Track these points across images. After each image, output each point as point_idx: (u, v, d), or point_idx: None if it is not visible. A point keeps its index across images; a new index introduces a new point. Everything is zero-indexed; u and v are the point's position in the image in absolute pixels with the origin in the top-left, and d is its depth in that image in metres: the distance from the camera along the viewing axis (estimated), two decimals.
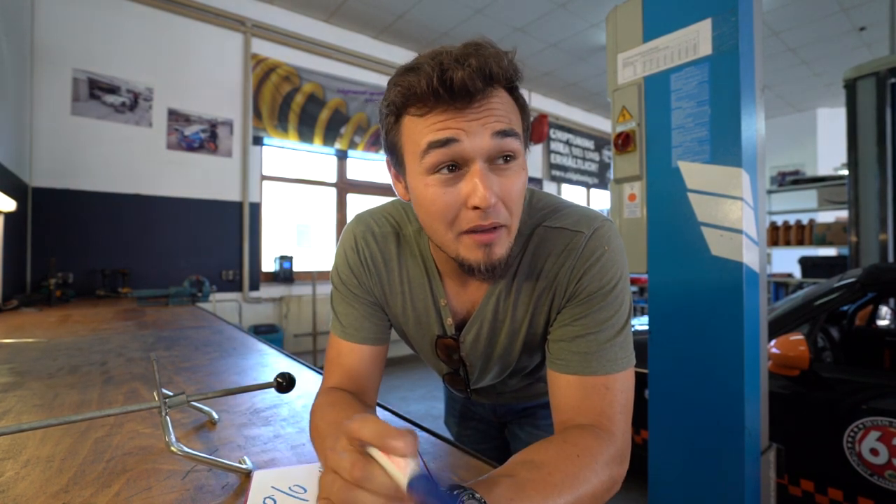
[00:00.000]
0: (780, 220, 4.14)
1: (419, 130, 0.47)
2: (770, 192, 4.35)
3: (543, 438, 0.48)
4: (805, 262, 4.19)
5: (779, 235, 3.97)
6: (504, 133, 0.46)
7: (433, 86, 0.44)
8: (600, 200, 6.97)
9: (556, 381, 0.54)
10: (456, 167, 0.47)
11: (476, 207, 0.46)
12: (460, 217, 0.48)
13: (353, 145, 4.35)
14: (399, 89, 0.47)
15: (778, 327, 1.66)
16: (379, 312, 0.65)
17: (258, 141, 3.84)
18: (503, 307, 0.60)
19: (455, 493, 0.35)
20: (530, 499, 0.38)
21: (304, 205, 4.38)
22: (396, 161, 0.53)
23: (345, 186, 4.44)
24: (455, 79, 0.44)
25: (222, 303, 3.65)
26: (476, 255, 0.49)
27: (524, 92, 0.53)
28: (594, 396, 0.51)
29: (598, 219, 0.56)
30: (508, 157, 0.48)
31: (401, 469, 0.29)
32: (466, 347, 0.64)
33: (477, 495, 0.35)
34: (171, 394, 0.60)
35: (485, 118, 0.46)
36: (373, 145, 4.45)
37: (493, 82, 0.46)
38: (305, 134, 4.06)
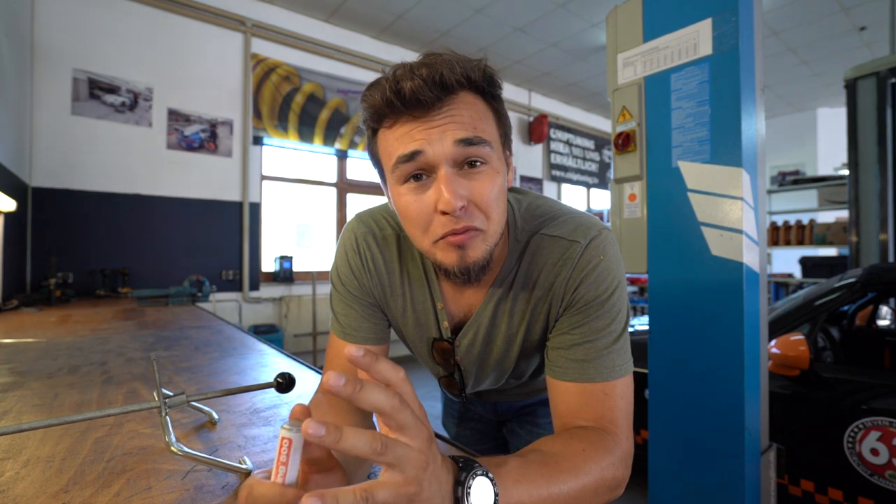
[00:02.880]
0: (780, 220, 4.13)
1: (390, 143, 0.49)
2: (770, 192, 4.35)
3: (547, 436, 0.49)
4: (805, 262, 4.19)
5: (779, 235, 3.97)
6: (467, 141, 0.46)
7: (387, 97, 0.46)
8: (600, 200, 6.96)
9: (556, 387, 0.55)
10: (423, 175, 0.48)
11: (445, 212, 0.47)
12: (434, 223, 0.48)
13: (353, 145, 4.35)
14: (364, 105, 0.49)
15: (778, 327, 1.66)
16: (378, 313, 0.65)
17: (258, 141, 3.84)
18: (500, 314, 0.60)
19: (464, 463, 0.36)
20: (535, 482, 0.39)
21: (304, 205, 4.38)
22: (380, 172, 0.55)
23: (345, 186, 4.44)
24: (405, 89, 0.45)
25: (222, 303, 3.65)
26: (451, 257, 0.50)
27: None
28: (594, 403, 0.52)
29: (594, 227, 0.56)
30: (477, 162, 0.48)
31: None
32: (461, 351, 0.64)
33: (490, 475, 0.36)
34: (171, 394, 0.60)
35: (445, 125, 0.46)
36: None
37: (448, 89, 0.46)
38: (305, 134, 4.06)
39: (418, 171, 0.48)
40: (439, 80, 0.45)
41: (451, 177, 0.46)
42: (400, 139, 0.47)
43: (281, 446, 0.30)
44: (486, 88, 0.49)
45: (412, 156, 0.46)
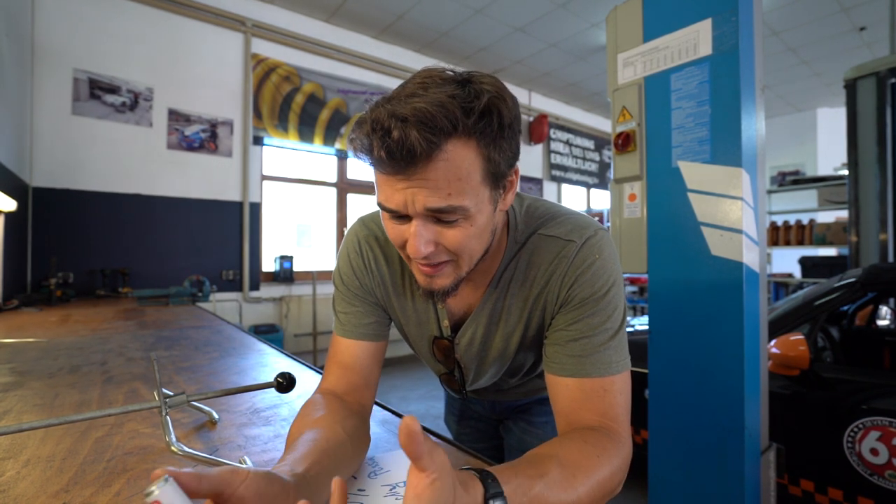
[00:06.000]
0: (780, 220, 4.13)
1: (375, 178, 0.49)
2: (770, 192, 4.34)
3: (562, 440, 0.49)
4: (805, 262, 4.19)
5: (779, 235, 3.97)
6: (438, 211, 0.45)
7: (363, 152, 0.46)
8: (600, 200, 6.96)
9: (555, 383, 0.55)
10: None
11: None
12: (407, 248, 0.50)
13: None
14: (350, 141, 0.49)
15: (778, 327, 1.66)
16: (379, 311, 0.66)
17: (258, 141, 3.84)
18: (498, 312, 0.61)
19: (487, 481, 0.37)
20: (557, 496, 0.41)
21: (304, 205, 4.38)
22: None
23: (345, 186, 4.44)
24: (375, 153, 0.44)
25: (222, 303, 3.65)
26: (420, 279, 0.53)
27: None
28: (594, 398, 0.52)
29: (590, 227, 0.57)
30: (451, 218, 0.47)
31: None
32: (461, 349, 0.66)
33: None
34: (171, 394, 0.60)
35: (417, 190, 0.45)
36: None
37: (416, 158, 0.42)
38: (306, 134, 4.06)
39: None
40: (407, 152, 0.42)
41: (420, 228, 0.47)
42: (380, 186, 0.48)
43: None
44: (485, 128, 0.45)
45: (391, 211, 0.48)
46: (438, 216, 0.47)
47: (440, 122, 0.42)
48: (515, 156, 0.51)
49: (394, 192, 0.46)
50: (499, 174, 0.49)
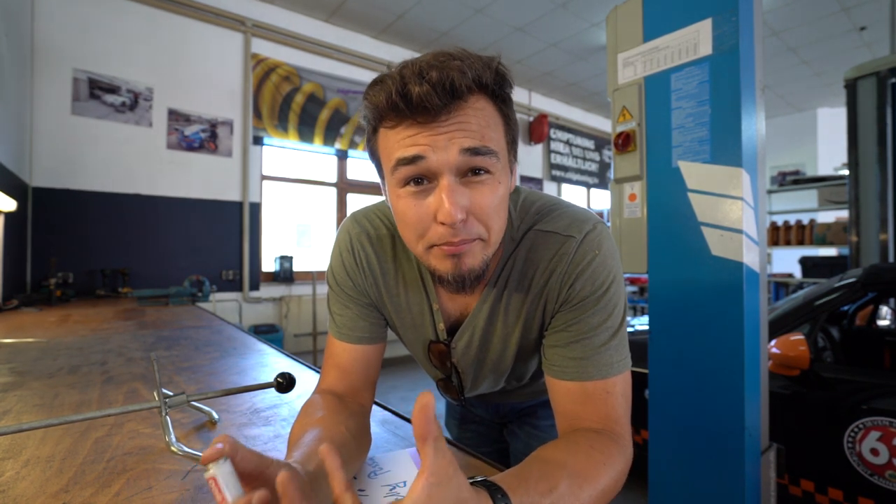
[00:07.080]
0: (780, 220, 4.13)
1: (390, 144, 0.47)
2: (770, 192, 4.34)
3: (565, 442, 0.48)
4: (805, 262, 4.19)
5: (779, 235, 3.97)
6: (474, 151, 0.45)
7: (392, 101, 0.44)
8: (600, 200, 6.97)
9: (556, 387, 0.54)
10: (424, 180, 0.46)
11: (443, 223, 0.45)
12: (430, 231, 0.47)
13: (353, 145, 4.35)
14: (366, 103, 0.47)
15: (778, 327, 1.66)
16: (374, 313, 0.64)
17: (258, 141, 3.84)
18: (496, 314, 0.59)
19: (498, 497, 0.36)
20: None
21: (304, 205, 4.39)
22: (378, 170, 0.53)
23: (345, 186, 4.44)
24: (413, 94, 0.42)
25: (222, 303, 3.65)
26: (445, 265, 0.49)
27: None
28: (597, 402, 0.51)
29: (589, 221, 0.55)
30: (480, 171, 0.46)
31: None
32: (458, 353, 0.64)
33: None
34: (171, 394, 0.60)
35: (453, 133, 0.44)
36: None
37: (458, 95, 0.44)
38: (305, 134, 4.06)
39: (419, 176, 0.46)
40: (450, 87, 0.43)
41: (453, 186, 0.45)
42: (402, 142, 0.45)
43: (212, 488, 0.30)
44: (498, 92, 0.48)
45: (414, 159, 0.45)
46: (472, 162, 0.45)
47: (469, 73, 0.44)
48: (518, 135, 0.53)
49: (420, 140, 0.44)
50: (514, 139, 0.52)
